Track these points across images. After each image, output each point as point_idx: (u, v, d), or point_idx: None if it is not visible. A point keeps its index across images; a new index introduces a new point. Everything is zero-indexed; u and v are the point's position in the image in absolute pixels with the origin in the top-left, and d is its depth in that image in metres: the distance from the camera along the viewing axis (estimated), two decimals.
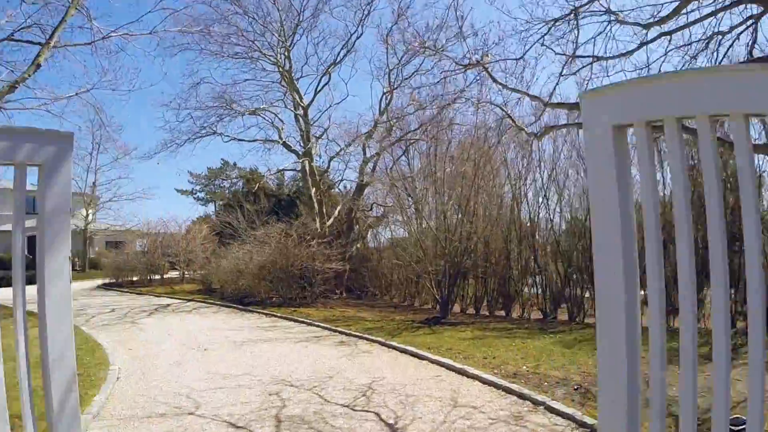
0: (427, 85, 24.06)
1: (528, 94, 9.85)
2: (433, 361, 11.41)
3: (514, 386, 9.05)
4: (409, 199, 20.96)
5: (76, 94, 12.14)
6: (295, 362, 11.56)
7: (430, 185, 19.48)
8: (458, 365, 10.72)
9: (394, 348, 12.95)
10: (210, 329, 16.34)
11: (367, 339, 14.20)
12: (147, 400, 8.72)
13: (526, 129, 12.13)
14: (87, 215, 46.09)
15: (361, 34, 28.34)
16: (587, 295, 16.88)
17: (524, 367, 10.50)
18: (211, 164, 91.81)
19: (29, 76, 9.52)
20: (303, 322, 17.38)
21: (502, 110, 12.12)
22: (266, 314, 19.50)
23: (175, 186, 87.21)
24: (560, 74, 9.44)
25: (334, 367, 11.03)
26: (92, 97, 11.83)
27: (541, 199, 18.59)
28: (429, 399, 8.60)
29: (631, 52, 8.34)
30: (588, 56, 8.88)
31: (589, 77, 9.62)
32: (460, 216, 18.20)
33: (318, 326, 16.56)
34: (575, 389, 8.92)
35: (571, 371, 10.11)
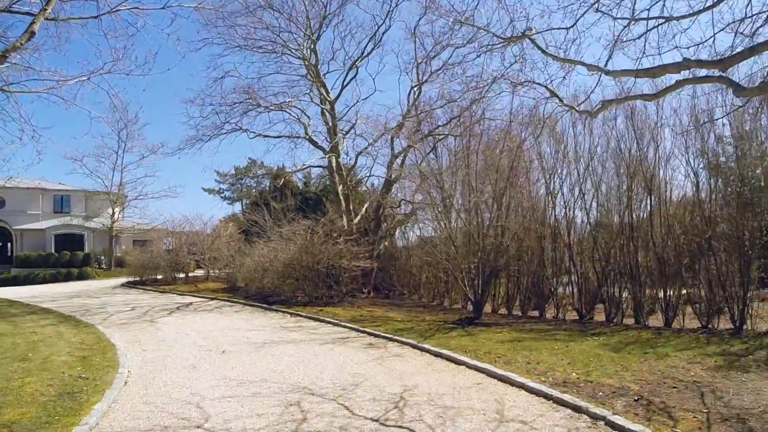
0: (459, 79, 23.12)
1: (584, 63, 8.68)
2: (471, 367, 10.35)
3: (566, 397, 7.96)
4: (440, 193, 19.87)
5: (88, 78, 11.28)
6: (319, 367, 10.56)
7: (464, 177, 18.38)
8: (500, 371, 9.66)
9: (428, 351, 11.91)
10: (230, 329, 15.46)
11: (397, 341, 13.17)
12: (153, 409, 7.79)
13: (577, 108, 10.93)
14: (113, 214, 45.84)
15: (389, 27, 27.52)
16: (625, 294, 15.85)
17: (573, 374, 9.42)
18: (236, 161, 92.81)
19: (21, 45, 8.66)
20: (329, 322, 16.41)
21: (547, 89, 10.93)
22: (291, 313, 18.59)
23: (202, 185, 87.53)
24: (615, 41, 8.29)
25: (362, 373, 10.01)
26: (106, 83, 10.94)
27: (576, 194, 17.40)
28: (471, 412, 7.51)
29: (706, 9, 7.15)
30: (649, 18, 7.72)
31: (642, 52, 8.49)
32: (494, 211, 17.13)
33: (345, 327, 15.59)
34: (636, 400, 7.81)
35: (627, 379, 9.01)
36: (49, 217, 49.31)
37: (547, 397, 8.18)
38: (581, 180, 17.12)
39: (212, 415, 7.46)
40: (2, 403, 7.87)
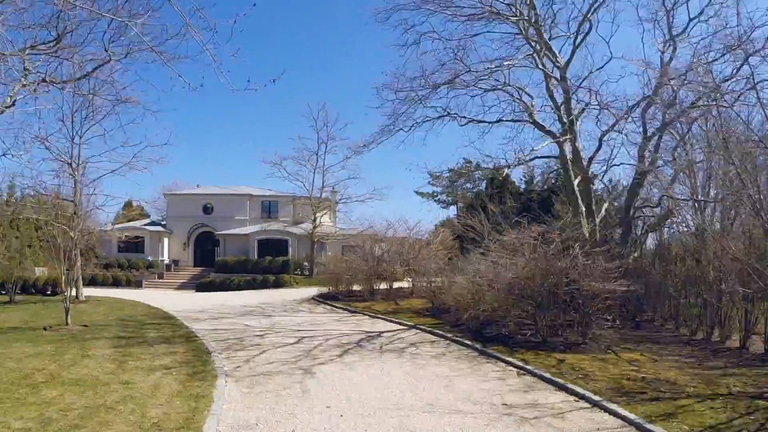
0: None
1: None
2: None
3: None
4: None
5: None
6: None
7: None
8: None
9: None
10: (412, 410, 9.16)
11: None
12: None
13: None
14: (315, 218, 43.50)
15: None
16: None
17: None
18: (445, 157, 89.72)
19: None
20: (580, 396, 9.63)
21: None
22: (515, 366, 12.21)
23: (412, 188, 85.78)
24: None
25: None
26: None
27: None
28: None
29: None
30: None
31: None
32: None
33: (612, 412, 8.65)
34: None
35: None
36: (255, 223, 50.41)
37: None
38: None
39: None
40: None
